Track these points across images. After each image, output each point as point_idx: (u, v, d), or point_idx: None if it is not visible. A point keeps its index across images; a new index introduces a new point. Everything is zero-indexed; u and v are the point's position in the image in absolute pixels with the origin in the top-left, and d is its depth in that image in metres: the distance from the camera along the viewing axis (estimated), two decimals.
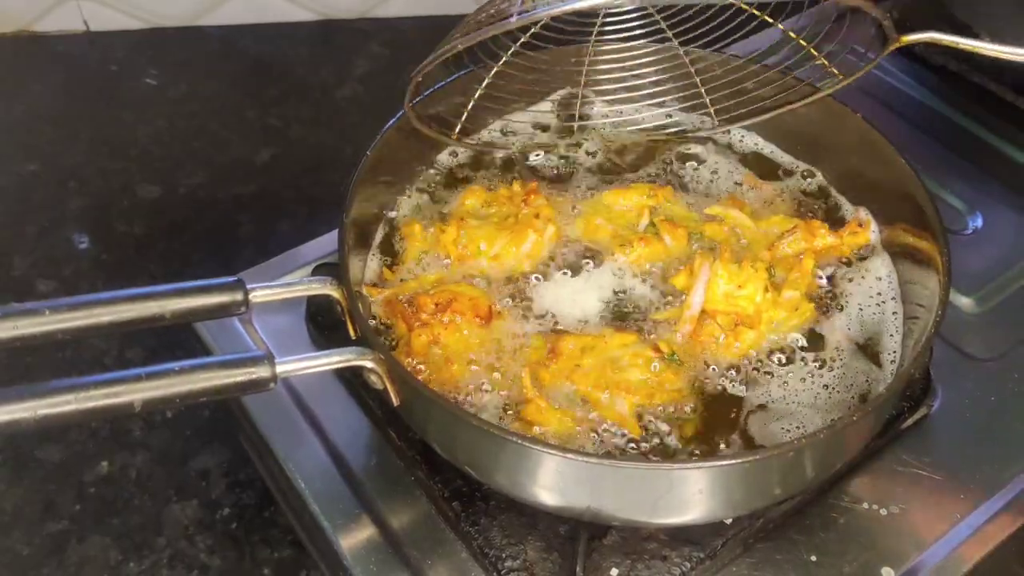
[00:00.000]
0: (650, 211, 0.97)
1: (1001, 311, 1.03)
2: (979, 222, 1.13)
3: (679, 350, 0.86)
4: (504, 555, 0.82)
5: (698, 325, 0.87)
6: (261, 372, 0.73)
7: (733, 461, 0.73)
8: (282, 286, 0.81)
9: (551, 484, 0.76)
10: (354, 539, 0.84)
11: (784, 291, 0.88)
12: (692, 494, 0.75)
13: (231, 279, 0.78)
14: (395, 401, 0.79)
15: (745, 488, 0.77)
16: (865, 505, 0.87)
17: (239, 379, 0.72)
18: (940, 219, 0.87)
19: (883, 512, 0.87)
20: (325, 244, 1.06)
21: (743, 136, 1.07)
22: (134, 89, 1.57)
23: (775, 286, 0.89)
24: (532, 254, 0.93)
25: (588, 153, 1.06)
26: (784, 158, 1.05)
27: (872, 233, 0.96)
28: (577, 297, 0.91)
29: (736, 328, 0.87)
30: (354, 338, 0.82)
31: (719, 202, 0.99)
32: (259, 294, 0.79)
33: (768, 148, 1.06)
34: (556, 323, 0.89)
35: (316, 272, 1.00)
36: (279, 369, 0.73)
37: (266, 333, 0.99)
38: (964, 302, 1.04)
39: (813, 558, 0.84)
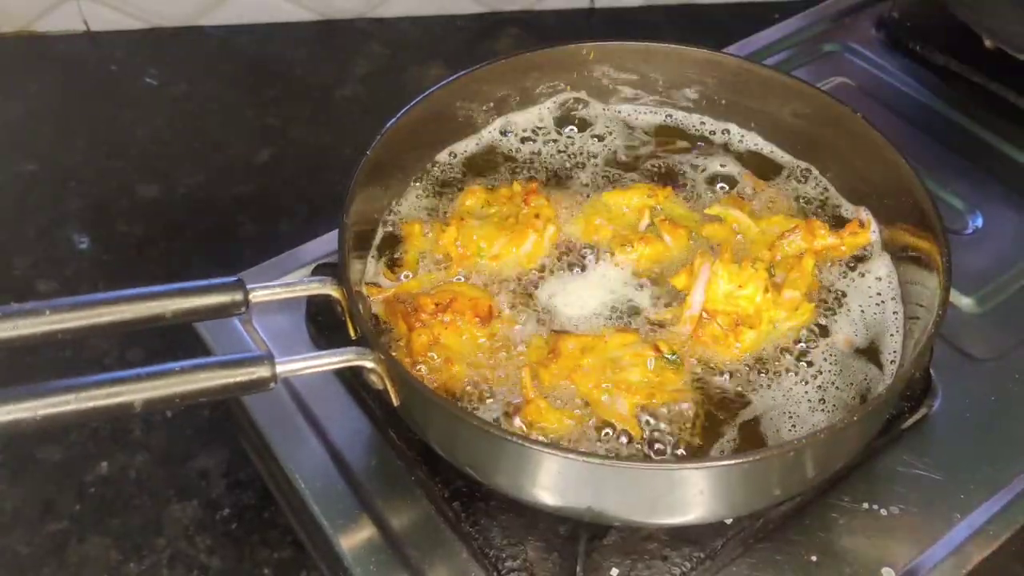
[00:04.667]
0: (651, 211, 0.96)
1: (1001, 311, 1.03)
2: (979, 222, 1.13)
3: (679, 350, 0.86)
4: (504, 555, 0.82)
5: (698, 325, 0.87)
6: (261, 372, 0.73)
7: (733, 461, 0.73)
8: (282, 286, 0.81)
9: (551, 485, 0.76)
10: (354, 539, 0.84)
11: (784, 291, 0.88)
12: (693, 495, 0.75)
13: (231, 279, 0.78)
14: (395, 401, 0.79)
15: (746, 488, 0.77)
16: (865, 505, 0.87)
17: (239, 379, 0.72)
18: (940, 219, 0.86)
19: (883, 512, 0.86)
20: (325, 244, 1.06)
21: (742, 136, 1.07)
22: (134, 89, 1.57)
23: (775, 286, 0.89)
24: (532, 254, 0.93)
25: (592, 155, 1.05)
26: (784, 158, 1.05)
27: (872, 233, 0.95)
28: (578, 297, 0.91)
29: (736, 328, 0.86)
30: (354, 338, 0.82)
31: (719, 202, 0.99)
32: (259, 294, 0.79)
33: (768, 148, 1.06)
34: (557, 323, 0.89)
35: (316, 272, 1.00)
36: (279, 369, 0.73)
37: (266, 334, 0.99)
38: (964, 302, 1.04)
39: (813, 558, 0.84)
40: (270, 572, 1.00)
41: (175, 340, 0.95)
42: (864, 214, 0.97)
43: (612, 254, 0.94)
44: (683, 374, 0.85)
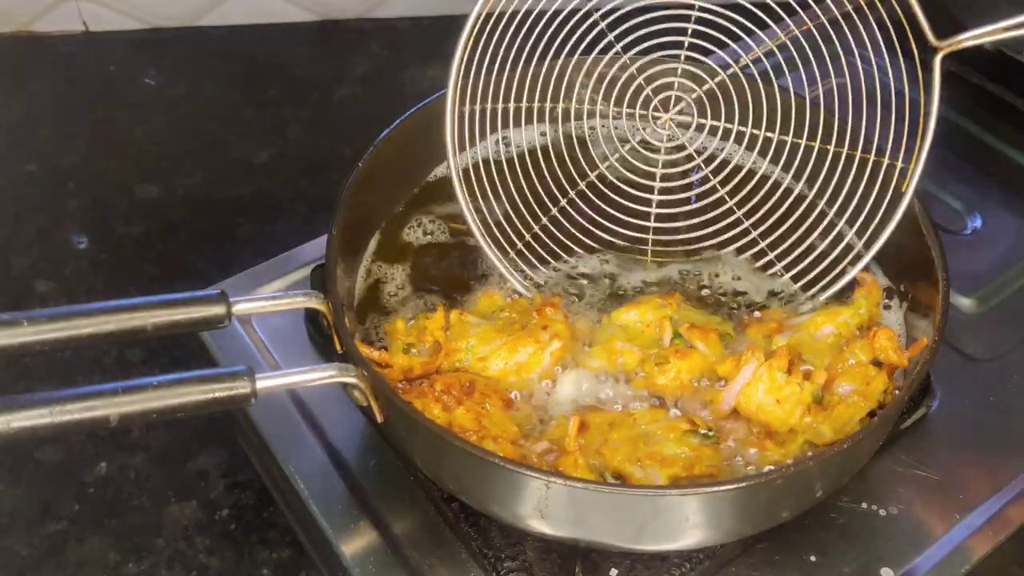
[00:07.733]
0: (671, 321, 0.87)
1: (1001, 311, 1.03)
2: (979, 223, 1.13)
3: (715, 428, 0.81)
4: (503, 555, 0.82)
5: (724, 421, 0.82)
6: (241, 388, 0.72)
7: (728, 487, 0.72)
8: (266, 299, 0.81)
9: (539, 509, 0.74)
10: (353, 540, 0.84)
11: (837, 408, 0.81)
12: (685, 519, 0.74)
13: (214, 292, 0.77)
14: (379, 419, 0.79)
15: (750, 512, 0.77)
16: (864, 505, 0.87)
17: (218, 395, 0.71)
18: (940, 240, 0.86)
19: (883, 512, 0.87)
20: (323, 245, 1.06)
21: (736, 151, 1.05)
22: (133, 89, 1.57)
23: (822, 407, 0.81)
24: (526, 367, 0.85)
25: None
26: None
27: (879, 281, 0.93)
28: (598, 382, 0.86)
29: (762, 440, 0.80)
30: (340, 352, 0.81)
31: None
32: (242, 307, 0.78)
33: (767, 168, 1.01)
34: (578, 403, 0.84)
35: (313, 273, 1.00)
36: (259, 385, 0.72)
37: (266, 334, 1.00)
38: (964, 302, 1.04)
39: (813, 558, 0.84)
40: (269, 572, 1.00)
41: (174, 339, 0.95)
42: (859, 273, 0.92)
43: (649, 378, 0.84)
44: (719, 452, 0.80)
